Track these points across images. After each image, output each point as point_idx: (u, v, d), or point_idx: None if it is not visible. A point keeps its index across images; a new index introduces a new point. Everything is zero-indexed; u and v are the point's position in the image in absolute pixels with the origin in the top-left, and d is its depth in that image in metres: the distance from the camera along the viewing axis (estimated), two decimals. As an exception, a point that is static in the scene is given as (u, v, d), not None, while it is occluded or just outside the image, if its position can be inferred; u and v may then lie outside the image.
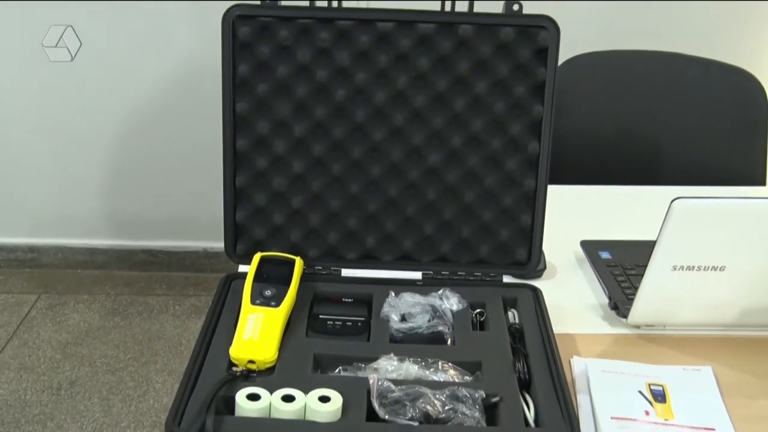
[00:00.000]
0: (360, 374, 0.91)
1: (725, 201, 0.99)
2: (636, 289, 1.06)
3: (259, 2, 1.04)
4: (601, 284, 1.18)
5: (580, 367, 1.00)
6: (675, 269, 1.01)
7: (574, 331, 1.08)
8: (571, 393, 0.92)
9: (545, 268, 1.20)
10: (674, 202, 0.96)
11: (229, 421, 0.84)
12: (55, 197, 2.62)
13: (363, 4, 1.06)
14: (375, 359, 0.93)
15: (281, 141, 1.07)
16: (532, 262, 1.11)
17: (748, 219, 0.99)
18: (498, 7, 1.04)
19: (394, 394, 0.87)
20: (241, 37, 1.03)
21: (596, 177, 1.59)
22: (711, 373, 1.00)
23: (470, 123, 1.06)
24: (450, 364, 0.93)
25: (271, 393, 0.86)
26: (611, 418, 0.92)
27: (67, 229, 2.67)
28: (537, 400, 0.89)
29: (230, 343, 0.93)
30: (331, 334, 1.00)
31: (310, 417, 0.85)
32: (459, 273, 1.11)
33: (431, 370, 0.92)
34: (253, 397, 0.85)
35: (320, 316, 1.02)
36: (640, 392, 0.96)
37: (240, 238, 1.11)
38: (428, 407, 0.85)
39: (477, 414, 0.85)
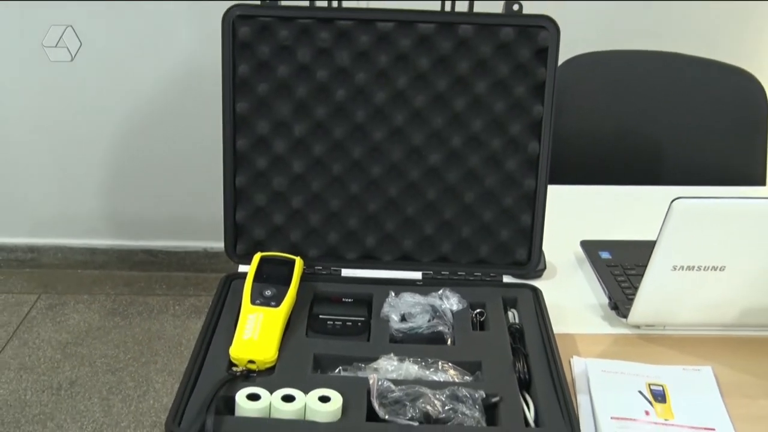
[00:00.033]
0: (360, 374, 0.91)
1: (725, 201, 0.99)
2: (636, 289, 1.06)
3: (259, 2, 1.04)
4: (601, 284, 1.18)
5: (580, 367, 1.00)
6: (675, 269, 1.01)
7: (574, 331, 1.08)
8: (571, 393, 0.92)
9: (545, 268, 1.20)
10: (674, 202, 0.96)
11: (229, 421, 0.84)
12: (55, 197, 2.62)
13: (363, 4, 1.06)
14: (375, 359, 0.93)
15: (281, 141, 1.07)
16: (532, 262, 1.11)
17: (748, 219, 0.99)
18: (498, 7, 1.04)
19: (394, 394, 0.87)
20: (242, 37, 1.03)
21: (596, 177, 1.59)
22: (711, 373, 1.00)
23: (470, 123, 1.06)
24: (450, 364, 0.93)
25: (271, 393, 0.86)
26: (611, 418, 0.92)
27: (67, 229, 2.67)
28: (537, 400, 0.89)
29: (230, 343, 0.93)
30: (331, 334, 1.00)
31: (310, 417, 0.85)
32: (459, 273, 1.11)
33: (431, 370, 0.92)
34: (253, 397, 0.85)
35: (320, 316, 1.02)
36: (640, 392, 0.96)
37: (240, 238, 1.11)
38: (428, 407, 0.85)
39: (477, 414, 0.85)
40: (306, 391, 0.86)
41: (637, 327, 1.10)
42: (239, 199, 1.09)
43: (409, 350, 0.95)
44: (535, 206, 1.09)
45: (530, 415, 0.88)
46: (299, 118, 1.06)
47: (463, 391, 0.87)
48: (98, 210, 2.65)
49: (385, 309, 1.03)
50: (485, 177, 1.08)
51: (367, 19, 1.03)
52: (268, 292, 0.99)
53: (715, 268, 1.01)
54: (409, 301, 1.04)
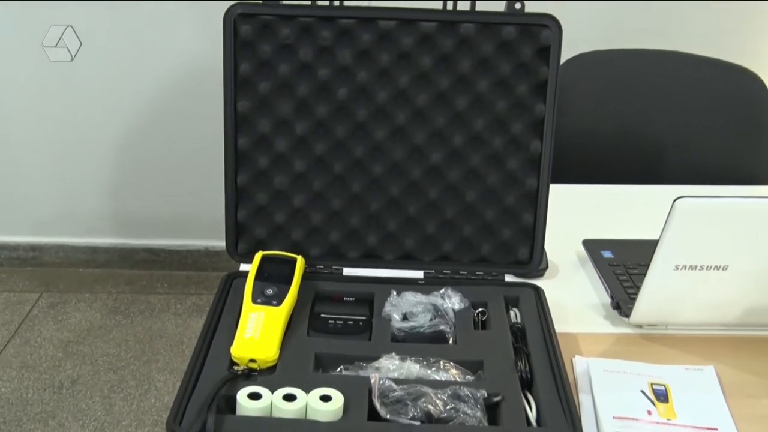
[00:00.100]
0: (361, 373, 0.91)
1: (728, 200, 0.99)
2: (638, 288, 1.05)
3: (260, 1, 1.03)
4: (603, 283, 1.18)
5: (582, 366, 1.00)
6: (677, 269, 1.00)
7: (576, 331, 1.08)
8: (573, 392, 0.92)
9: (547, 267, 1.20)
10: (677, 201, 0.96)
11: (231, 420, 0.84)
12: (57, 196, 2.63)
13: (365, 3, 1.06)
14: (376, 358, 0.93)
15: (283, 140, 1.07)
16: (534, 262, 1.11)
17: (751, 218, 0.98)
18: (500, 6, 1.04)
19: (396, 393, 0.87)
20: (243, 35, 1.03)
21: (598, 176, 1.58)
22: (713, 373, 1.00)
23: (472, 122, 1.06)
24: (452, 363, 0.93)
25: (273, 392, 0.86)
26: (613, 417, 0.91)
27: (68, 228, 2.68)
28: (539, 399, 0.89)
29: (231, 342, 0.93)
30: (333, 333, 0.99)
31: (311, 416, 0.85)
32: (461, 272, 1.11)
33: (433, 369, 0.92)
34: (255, 396, 0.85)
35: (322, 315, 1.02)
36: (642, 392, 0.95)
37: (241, 236, 1.11)
38: (430, 407, 0.85)
39: (479, 413, 0.85)
40: (307, 391, 0.86)
41: (640, 326, 1.09)
42: (241, 198, 1.09)
43: (411, 349, 0.95)
44: (537, 205, 1.08)
45: (532, 415, 0.88)
46: (301, 116, 1.06)
47: (465, 391, 0.87)
48: (100, 209, 2.65)
49: (387, 308, 1.02)
50: (487, 176, 1.08)
51: (368, 17, 1.03)
52: (269, 291, 0.99)
53: (717, 268, 1.01)
54: (411, 300, 1.03)
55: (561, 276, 1.21)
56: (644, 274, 1.02)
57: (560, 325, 1.02)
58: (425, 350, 0.95)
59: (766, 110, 1.68)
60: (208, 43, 2.18)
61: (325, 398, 0.85)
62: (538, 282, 1.12)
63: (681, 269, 1.00)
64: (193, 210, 2.62)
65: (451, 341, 0.99)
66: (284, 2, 1.04)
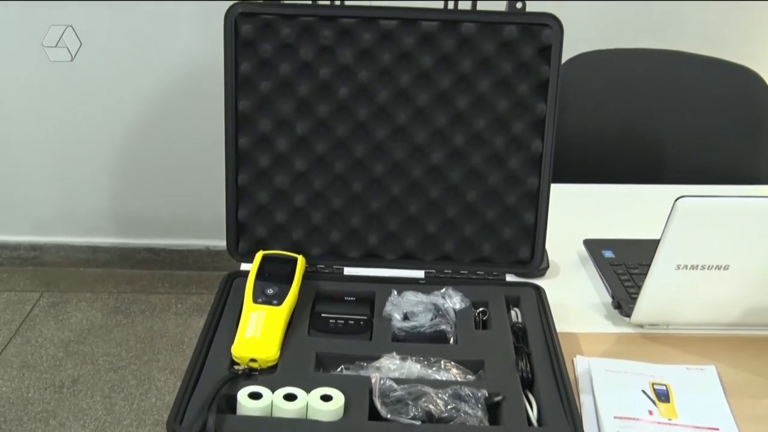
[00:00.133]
0: (362, 373, 0.91)
1: (729, 200, 0.98)
2: (639, 288, 1.05)
3: (261, 0, 1.03)
4: (604, 283, 1.18)
5: (583, 366, 1.00)
6: (679, 268, 1.00)
7: (577, 330, 1.08)
8: (574, 392, 0.92)
9: (548, 266, 1.19)
10: (678, 200, 0.96)
11: (231, 420, 0.84)
12: (58, 196, 2.63)
13: (365, 2, 1.06)
14: (377, 358, 0.93)
15: (283, 139, 1.07)
16: (535, 261, 1.11)
17: (752, 218, 0.98)
18: (501, 5, 1.04)
19: (397, 393, 0.87)
20: (244, 35, 1.03)
21: (599, 175, 1.58)
22: (715, 373, 1.00)
23: (473, 121, 1.06)
24: (452, 363, 0.93)
25: (273, 392, 0.86)
26: (614, 417, 0.91)
27: (69, 228, 2.68)
28: (540, 399, 0.89)
29: (232, 342, 0.93)
30: (334, 333, 0.99)
31: (312, 416, 0.85)
32: (462, 272, 1.11)
33: (434, 369, 0.92)
34: (255, 396, 0.85)
35: (322, 315, 1.02)
36: (643, 392, 0.95)
37: (242, 236, 1.11)
38: (431, 406, 0.85)
39: (479, 413, 0.85)
40: (308, 390, 0.86)
41: (641, 326, 1.09)
42: (241, 198, 1.09)
43: (412, 349, 0.95)
44: (538, 205, 1.08)
45: (533, 415, 0.88)
46: (301, 116, 1.06)
47: (466, 390, 0.87)
48: (100, 208, 2.65)
49: (388, 308, 1.02)
50: (488, 175, 1.08)
51: (369, 17, 1.03)
52: (270, 291, 0.99)
53: (719, 267, 1.00)
54: (412, 299, 1.03)
55: (562, 276, 1.21)
56: (645, 274, 1.02)
57: (561, 325, 1.02)
58: (426, 350, 0.95)
59: (767, 110, 1.68)
60: (209, 42, 2.19)
61: (326, 398, 0.85)
62: (539, 282, 1.11)
63: (682, 269, 1.00)
64: (193, 209, 2.62)
65: (451, 341, 0.99)
66: (285, 2, 1.04)
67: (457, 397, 0.86)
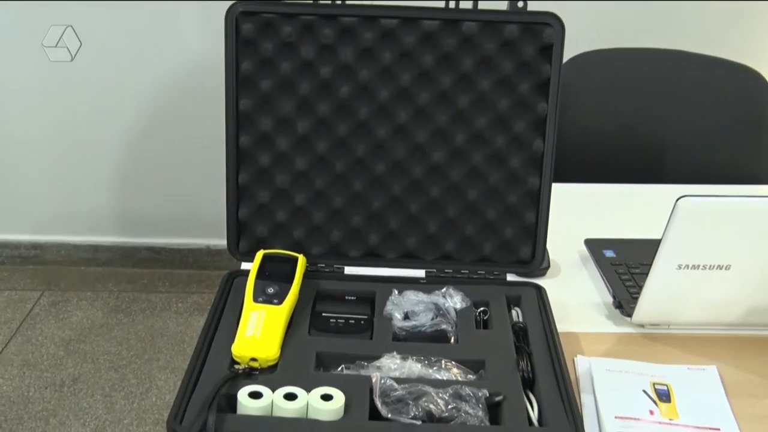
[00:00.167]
0: (363, 372, 0.91)
1: (731, 199, 0.98)
2: (640, 287, 1.05)
3: (262, -1, 1.03)
4: (605, 283, 1.18)
5: (584, 366, 1.00)
6: (680, 268, 1.00)
7: (578, 330, 1.07)
8: (575, 392, 0.91)
9: (549, 266, 1.19)
10: (679, 200, 0.95)
11: (231, 419, 0.84)
12: (58, 195, 2.63)
13: (367, 1, 1.06)
14: (378, 357, 0.93)
15: (284, 138, 1.07)
16: (536, 261, 1.11)
17: (754, 218, 0.98)
18: (502, 5, 1.04)
19: (397, 392, 0.86)
20: (245, 33, 1.03)
21: (601, 175, 1.58)
22: (716, 373, 1.00)
23: (474, 120, 1.06)
24: (453, 362, 0.93)
25: (274, 391, 0.86)
26: (615, 417, 0.91)
27: (70, 227, 2.68)
28: (540, 399, 0.89)
29: (232, 341, 0.93)
30: (334, 332, 0.99)
31: (312, 415, 0.85)
32: (462, 271, 1.11)
33: (434, 368, 0.92)
34: (255, 395, 0.85)
35: (323, 314, 1.02)
36: (644, 391, 0.95)
37: (243, 235, 1.10)
38: (431, 406, 0.85)
39: (480, 413, 0.85)
40: (308, 390, 0.86)
41: (642, 326, 1.09)
42: (242, 197, 1.09)
43: (412, 348, 0.95)
44: (539, 204, 1.08)
45: (534, 414, 0.88)
46: (302, 115, 1.06)
47: (467, 390, 0.87)
48: (101, 207, 2.65)
49: (388, 307, 1.02)
50: (489, 174, 1.08)
51: (370, 15, 1.03)
52: (270, 290, 0.99)
53: (720, 267, 1.00)
54: (413, 299, 1.03)
55: (563, 275, 1.21)
56: (646, 274, 1.02)
57: (562, 325, 1.01)
58: (427, 349, 0.95)
59: (769, 109, 1.68)
60: (209, 42, 2.19)
61: (326, 397, 0.85)
62: (539, 281, 1.11)
63: (683, 269, 1.00)
64: (194, 208, 2.62)
65: (452, 340, 0.99)
66: (286, 1, 1.04)
67: (458, 396, 0.86)
